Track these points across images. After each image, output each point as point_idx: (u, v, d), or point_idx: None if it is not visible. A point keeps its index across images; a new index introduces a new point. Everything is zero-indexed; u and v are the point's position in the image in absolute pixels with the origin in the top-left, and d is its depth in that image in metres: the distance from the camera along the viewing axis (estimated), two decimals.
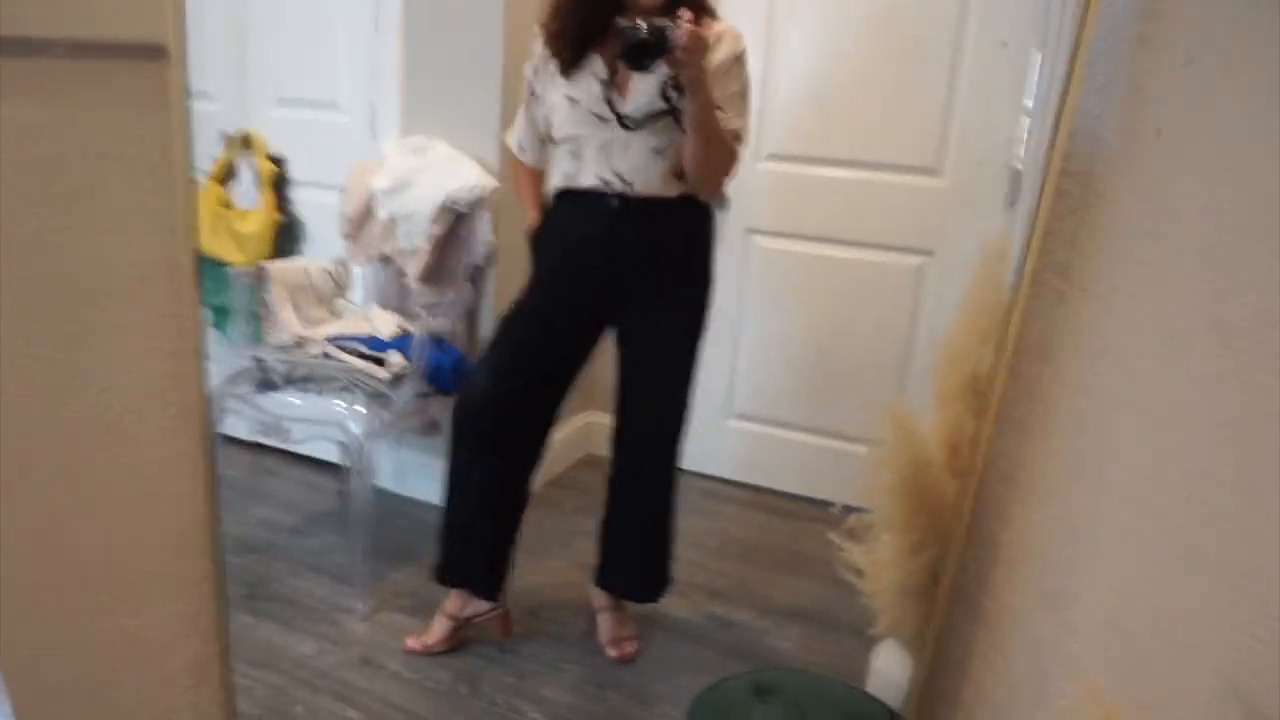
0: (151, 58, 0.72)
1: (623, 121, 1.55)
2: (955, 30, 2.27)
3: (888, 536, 1.18)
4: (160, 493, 0.86)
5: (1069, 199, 0.76)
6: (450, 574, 1.84)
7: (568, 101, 1.59)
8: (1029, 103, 2.20)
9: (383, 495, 2.53)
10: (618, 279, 1.67)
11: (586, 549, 2.02)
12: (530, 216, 1.78)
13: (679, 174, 1.60)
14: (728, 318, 2.66)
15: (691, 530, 2.44)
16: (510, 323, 1.73)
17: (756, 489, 2.75)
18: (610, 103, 1.54)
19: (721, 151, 1.58)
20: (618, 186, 1.59)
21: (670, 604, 2.07)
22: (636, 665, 1.87)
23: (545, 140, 1.70)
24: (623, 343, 1.76)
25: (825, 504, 2.61)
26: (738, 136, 1.60)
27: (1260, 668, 0.61)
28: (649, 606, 1.99)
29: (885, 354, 2.51)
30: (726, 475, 2.78)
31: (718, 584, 2.20)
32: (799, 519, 2.58)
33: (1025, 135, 2.22)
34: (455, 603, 1.84)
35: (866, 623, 2.00)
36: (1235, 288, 0.60)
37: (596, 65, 1.58)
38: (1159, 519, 0.69)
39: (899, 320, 2.47)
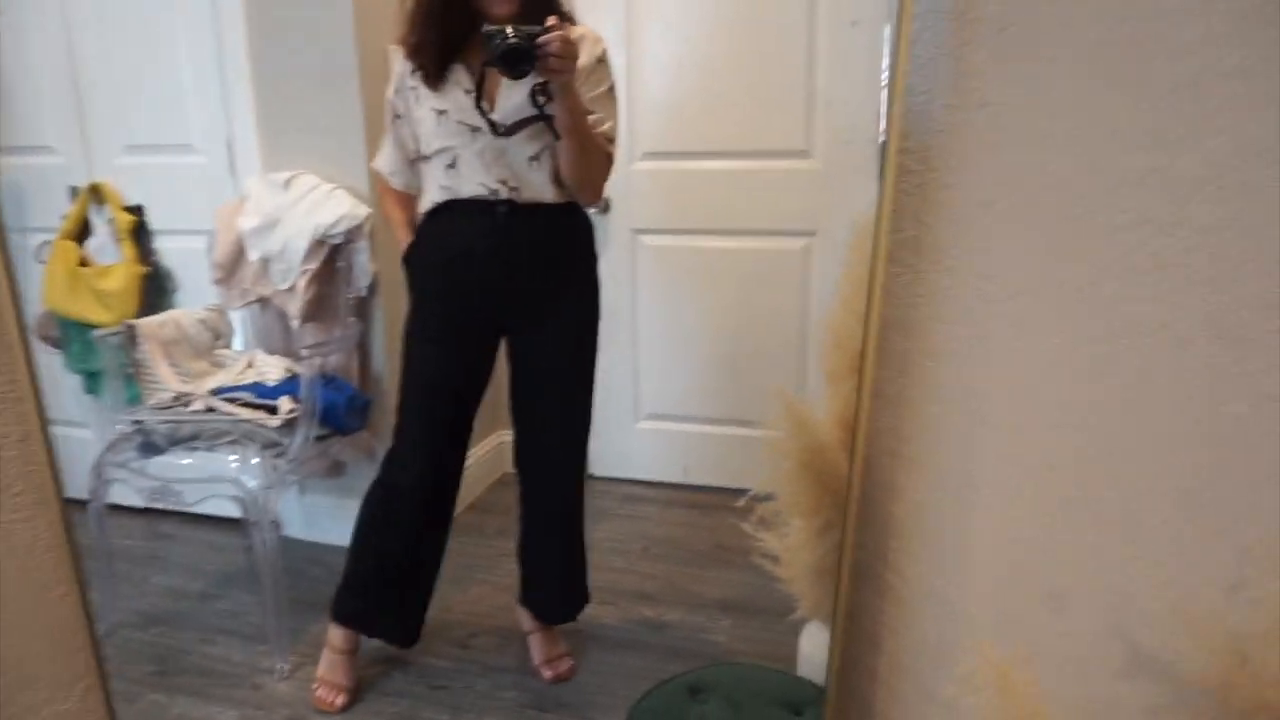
0: None
1: (495, 128, 1.52)
2: (807, 13, 2.32)
3: (797, 522, 1.19)
4: (22, 590, 0.79)
5: (911, 176, 0.78)
6: (365, 623, 1.81)
7: (435, 115, 1.55)
8: (884, 77, 2.28)
9: (291, 545, 2.44)
10: (509, 287, 1.63)
11: (510, 571, 1.99)
12: (401, 239, 1.73)
13: (558, 180, 1.59)
14: (624, 320, 2.67)
15: (613, 535, 2.44)
16: (412, 362, 1.68)
17: (673, 486, 2.76)
18: (481, 110, 1.50)
19: (597, 154, 1.58)
20: (504, 193, 1.56)
21: (600, 613, 2.06)
22: (575, 682, 1.85)
23: (414, 160, 1.66)
24: (516, 354, 1.73)
25: (740, 493, 2.67)
26: (610, 138, 1.60)
27: (1140, 609, 0.64)
28: (583, 619, 1.97)
29: (781, 337, 2.55)
30: (642, 477, 2.79)
31: (646, 587, 2.20)
32: (718, 511, 2.60)
33: (884, 109, 2.30)
34: (351, 639, 1.82)
35: (790, 606, 2.05)
36: (1070, 250, 0.63)
37: (461, 76, 1.55)
38: (1029, 473, 0.72)
39: (790, 302, 2.52)
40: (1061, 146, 0.65)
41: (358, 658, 1.82)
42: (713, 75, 2.42)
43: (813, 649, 1.42)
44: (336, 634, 1.81)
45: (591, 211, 1.72)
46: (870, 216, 1.33)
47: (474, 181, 1.56)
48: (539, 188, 1.58)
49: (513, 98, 1.52)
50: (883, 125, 2.29)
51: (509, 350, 1.73)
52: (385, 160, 1.72)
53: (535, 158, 1.56)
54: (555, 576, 1.86)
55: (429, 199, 1.62)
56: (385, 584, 1.77)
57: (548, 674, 1.84)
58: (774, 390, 1.20)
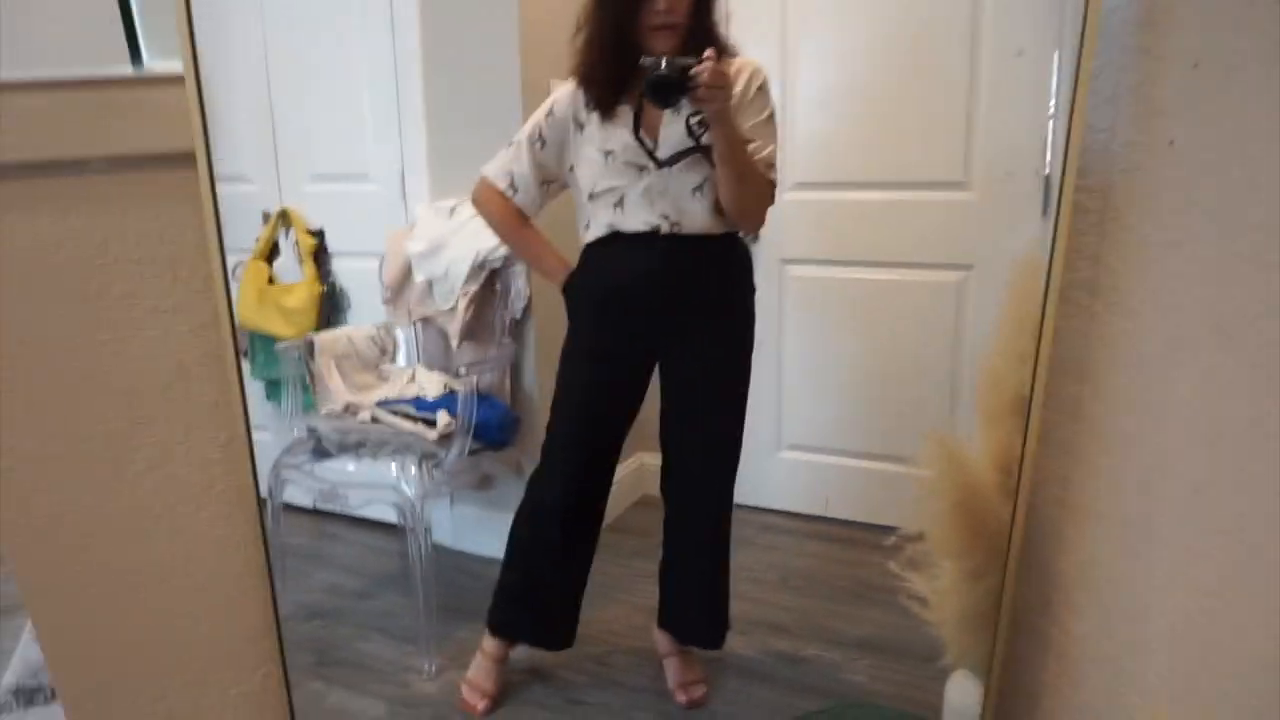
0: (180, 165, 0.76)
1: (654, 158, 1.56)
2: (970, 43, 2.26)
3: (947, 564, 1.15)
4: (216, 578, 0.88)
5: (1088, 215, 0.75)
6: (516, 631, 1.88)
7: (603, 156, 1.60)
8: (1052, 106, 2.19)
9: (441, 552, 2.56)
10: (666, 314, 1.66)
11: (649, 593, 2.01)
12: (550, 263, 1.75)
13: (719, 210, 1.61)
14: (769, 349, 2.66)
15: (750, 565, 2.42)
16: (566, 384, 1.74)
17: (812, 518, 2.71)
18: (640, 141, 1.55)
19: (757, 183, 1.59)
20: (666, 228, 1.60)
21: (735, 643, 2.04)
22: (707, 709, 1.84)
23: (544, 186, 1.71)
24: (669, 380, 1.75)
25: (883, 529, 2.59)
26: (770, 164, 1.61)
27: None
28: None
29: (932, 373, 2.47)
30: (781, 507, 2.75)
31: (781, 619, 2.17)
32: (858, 546, 2.54)
33: (1049, 141, 2.20)
34: (501, 646, 1.88)
35: (936, 651, 1.97)
36: (1267, 300, 0.58)
37: (627, 116, 1.59)
38: (1214, 533, 0.67)
39: (942, 338, 2.44)
40: (1259, 191, 0.61)
41: (506, 666, 1.90)
42: (868, 104, 2.39)
43: (960, 698, 1.36)
44: (489, 642, 1.88)
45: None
46: (1032, 254, 1.28)
47: (638, 218, 1.60)
48: (700, 218, 1.60)
49: (673, 130, 1.56)
50: (1048, 158, 2.20)
51: (663, 375, 1.75)
52: (508, 170, 1.70)
53: (698, 189, 1.59)
54: (698, 601, 1.86)
55: (594, 232, 1.67)
56: (534, 595, 1.83)
57: (682, 698, 1.84)
58: (929, 433, 1.16)
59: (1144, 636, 0.73)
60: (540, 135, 1.67)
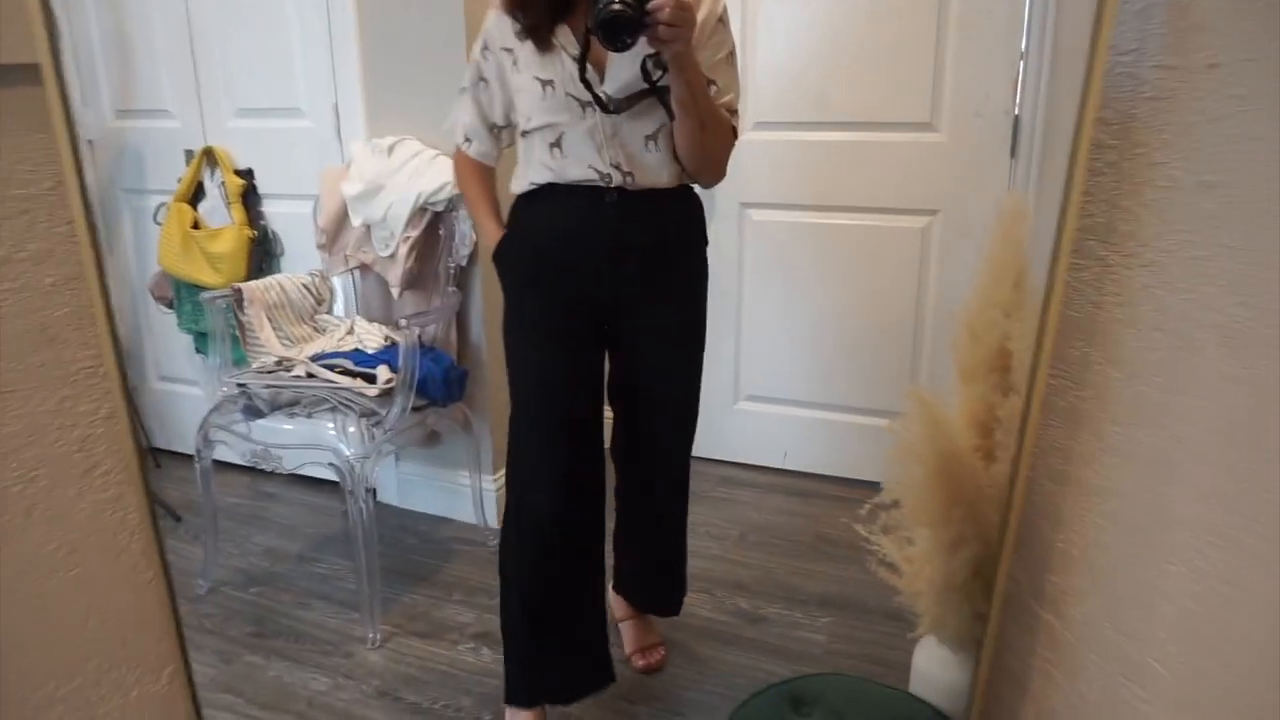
0: (24, 80, 0.62)
1: (603, 104, 1.34)
2: None
3: (922, 531, 1.08)
4: (105, 571, 0.76)
5: (1106, 152, 0.65)
6: (556, 693, 1.59)
7: (539, 85, 1.37)
8: (1025, 43, 2.08)
9: (386, 511, 2.45)
10: (616, 281, 1.45)
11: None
12: (486, 227, 1.54)
13: (676, 161, 1.42)
14: (729, 297, 2.56)
15: (709, 520, 2.36)
16: (519, 371, 1.50)
17: (771, 470, 2.66)
18: (588, 83, 1.31)
19: (720, 131, 1.40)
20: (616, 179, 1.38)
21: (695, 601, 1.99)
22: (666, 672, 1.78)
23: (495, 131, 1.51)
24: (622, 345, 1.57)
25: (843, 481, 2.56)
26: (732, 109, 1.42)
27: None
28: None
29: (896, 321, 2.40)
30: (739, 459, 2.69)
31: (742, 576, 2.11)
32: (819, 499, 2.49)
33: (1020, 80, 2.10)
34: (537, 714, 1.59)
35: (898, 609, 1.93)
36: None
37: (566, 39, 1.35)
38: (1239, 517, 0.60)
39: (907, 285, 2.36)
40: None
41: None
42: (833, 40, 2.26)
43: (929, 666, 1.31)
44: (521, 716, 1.58)
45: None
46: (1015, 196, 1.19)
47: (582, 164, 1.38)
48: (655, 171, 1.41)
49: (623, 69, 1.34)
50: (1018, 98, 2.10)
51: (613, 339, 1.58)
52: (462, 123, 1.52)
53: (652, 137, 1.38)
54: (655, 567, 1.77)
55: (526, 179, 1.44)
56: (562, 640, 1.55)
57: (639, 663, 1.78)
58: (910, 391, 1.08)
59: (1151, 626, 0.66)
60: (480, 75, 1.47)
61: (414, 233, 2.07)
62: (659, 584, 1.78)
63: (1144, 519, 0.66)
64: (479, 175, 1.57)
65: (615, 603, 1.84)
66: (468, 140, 1.53)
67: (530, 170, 1.44)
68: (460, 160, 1.58)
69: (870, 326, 2.44)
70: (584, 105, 1.35)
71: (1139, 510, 0.67)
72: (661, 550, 1.74)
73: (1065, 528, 0.74)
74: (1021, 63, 2.11)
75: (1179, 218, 0.60)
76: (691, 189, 1.51)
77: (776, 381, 2.60)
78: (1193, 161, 0.58)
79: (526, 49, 1.37)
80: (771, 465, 2.66)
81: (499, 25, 1.41)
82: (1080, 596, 0.72)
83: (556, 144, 1.38)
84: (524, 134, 1.42)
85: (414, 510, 2.46)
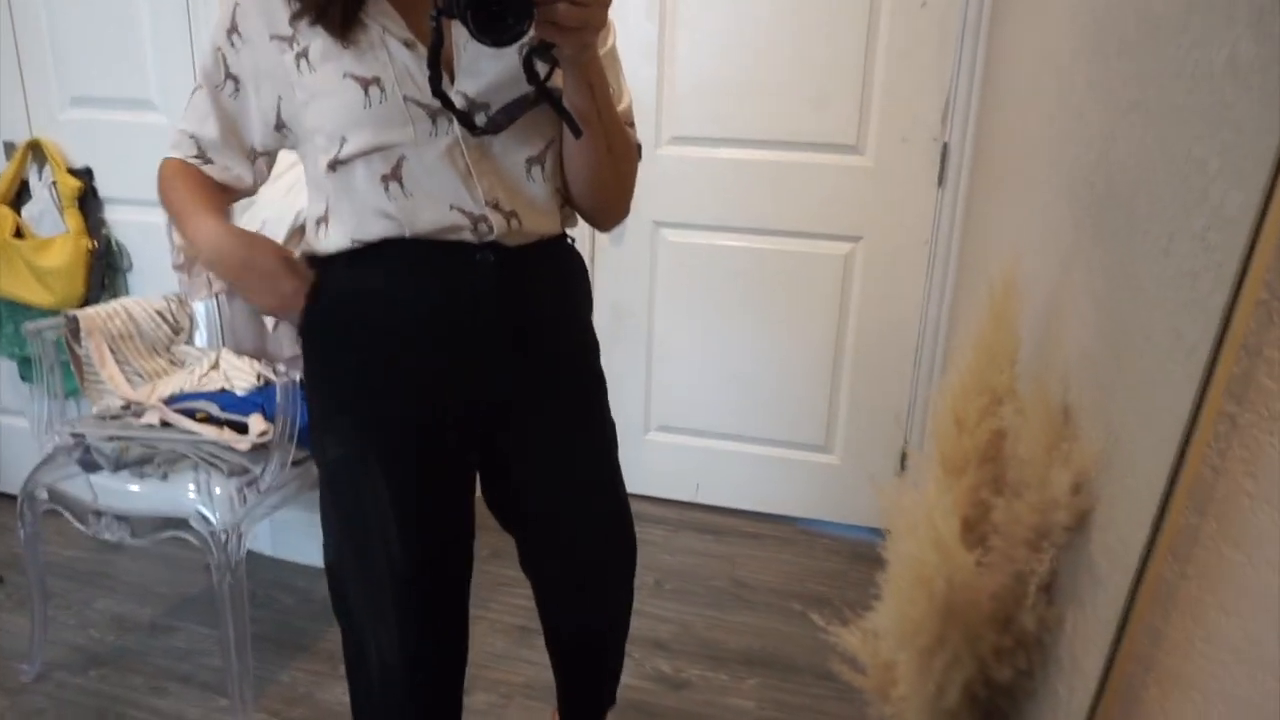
0: None
1: (468, 119, 0.94)
2: None
3: (906, 655, 0.96)
4: None
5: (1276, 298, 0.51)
6: None
7: (357, 86, 0.93)
8: (956, 63, 2.00)
9: (257, 563, 2.16)
10: (497, 369, 1.07)
11: (508, 607, 1.74)
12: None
13: (559, 195, 1.06)
14: (639, 321, 2.40)
15: None
16: (350, 513, 1.09)
17: (683, 504, 2.52)
18: (441, 92, 0.90)
19: (628, 152, 1.05)
20: (496, 225, 0.99)
21: None
22: None
23: (252, 155, 1.07)
24: (514, 474, 1.18)
25: (757, 516, 2.45)
26: (629, 121, 1.08)
27: None
28: None
29: (816, 350, 2.30)
30: (648, 492, 2.54)
31: (660, 632, 1.96)
32: (733, 536, 2.37)
33: (950, 106, 2.02)
34: None
35: (824, 665, 1.82)
36: None
37: (386, 18, 0.94)
38: None
39: (828, 313, 2.26)
40: None
41: None
42: (757, 54, 2.12)
43: None
44: None
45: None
46: (1010, 271, 1.05)
47: (439, 204, 0.97)
48: (543, 211, 1.03)
49: (487, 62, 0.95)
50: (949, 123, 2.02)
51: (491, 470, 1.19)
52: (196, 132, 1.04)
53: (536, 161, 1.00)
54: (601, 700, 1.43)
55: (344, 234, 1.00)
56: None
57: None
58: (884, 493, 0.94)
59: None
60: (227, 72, 1.01)
61: (293, 254, 1.79)
62: (601, 707, 1.45)
63: None
64: (213, 193, 1.06)
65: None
66: (202, 157, 1.05)
67: (349, 219, 0.99)
68: (184, 176, 1.05)
69: (788, 355, 2.33)
70: (434, 115, 0.95)
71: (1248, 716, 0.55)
72: (601, 685, 1.41)
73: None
74: (953, 85, 2.03)
75: None
76: (571, 240, 1.14)
77: (688, 411, 2.46)
78: None
79: (319, 35, 0.95)
80: (683, 499, 2.53)
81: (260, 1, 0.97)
82: None
83: (394, 176, 0.96)
84: (332, 166, 0.98)
85: (290, 561, 2.19)
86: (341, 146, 0.96)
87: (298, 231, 1.78)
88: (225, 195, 1.09)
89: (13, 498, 2.36)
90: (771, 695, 1.77)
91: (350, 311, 1.04)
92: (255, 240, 1.01)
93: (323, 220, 1.03)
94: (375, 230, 0.99)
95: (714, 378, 2.40)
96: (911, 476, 2.19)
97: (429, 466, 1.09)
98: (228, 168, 1.06)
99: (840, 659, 1.19)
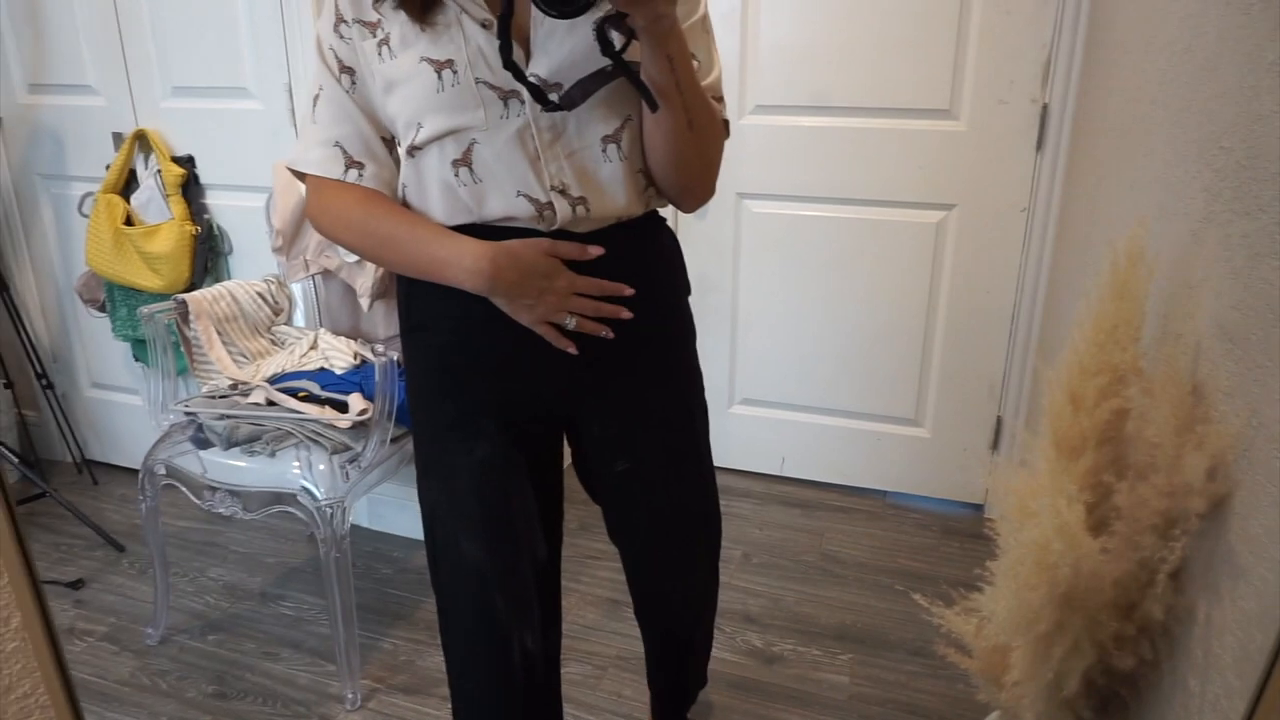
0: None
1: (541, 95, 0.92)
2: None
3: (1023, 640, 0.93)
4: None
5: None
6: None
7: (431, 70, 0.93)
8: (1054, 26, 1.90)
9: (356, 535, 2.24)
10: (575, 376, 1.07)
11: (599, 580, 1.76)
12: (457, 252, 0.97)
13: (643, 176, 1.02)
14: (724, 293, 2.38)
15: None
16: (441, 498, 1.11)
17: (769, 478, 2.50)
18: (514, 65, 0.88)
19: (712, 128, 1.01)
20: (562, 212, 0.97)
21: None
22: None
23: (390, 145, 1.04)
24: (594, 459, 1.18)
25: (843, 489, 2.42)
26: (717, 95, 1.05)
27: None
28: None
29: (906, 322, 2.24)
30: (733, 465, 2.53)
31: (751, 606, 1.96)
32: (820, 510, 2.35)
33: (1051, 66, 1.93)
34: None
35: (923, 640, 1.79)
36: None
37: (464, 0, 0.93)
38: None
39: (919, 284, 2.20)
40: None
41: None
42: (843, 17, 2.05)
43: None
44: None
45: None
46: (1136, 238, 0.99)
47: (507, 192, 0.96)
48: (617, 193, 1.00)
49: (562, 39, 0.93)
50: (1050, 84, 1.92)
51: (578, 445, 1.21)
52: (335, 152, 1.00)
53: (612, 139, 0.97)
54: (683, 675, 1.46)
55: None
56: None
57: None
58: (992, 474, 0.91)
59: None
60: (342, 66, 0.99)
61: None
62: (690, 693, 1.49)
63: None
64: (381, 200, 1.02)
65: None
66: (352, 167, 1.00)
67: (427, 204, 1.00)
68: (351, 204, 1.01)
69: (877, 328, 2.27)
70: (506, 98, 0.93)
71: None
72: (689, 675, 1.46)
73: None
74: (1052, 47, 1.93)
75: None
76: (661, 219, 1.11)
77: (774, 384, 2.43)
78: None
79: (400, 21, 0.94)
80: (769, 472, 2.51)
81: None
82: None
83: (464, 161, 0.95)
84: (410, 152, 0.98)
85: (386, 533, 2.26)
86: (417, 132, 0.96)
87: None
88: (394, 204, 1.04)
89: (130, 471, 2.51)
90: (865, 671, 1.75)
91: (432, 297, 1.04)
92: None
93: (405, 205, 1.04)
94: (449, 216, 0.99)
95: (800, 350, 2.37)
96: (1011, 453, 2.12)
97: (506, 444, 1.08)
98: (381, 165, 1.02)
99: (943, 640, 1.17)
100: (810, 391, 2.40)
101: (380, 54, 0.96)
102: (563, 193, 0.97)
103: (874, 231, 2.20)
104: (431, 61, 0.93)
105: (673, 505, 1.20)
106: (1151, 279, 0.98)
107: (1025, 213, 2.05)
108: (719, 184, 1.09)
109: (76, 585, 2.04)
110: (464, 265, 0.97)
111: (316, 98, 1.02)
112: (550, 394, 1.09)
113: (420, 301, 1.07)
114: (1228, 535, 0.78)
